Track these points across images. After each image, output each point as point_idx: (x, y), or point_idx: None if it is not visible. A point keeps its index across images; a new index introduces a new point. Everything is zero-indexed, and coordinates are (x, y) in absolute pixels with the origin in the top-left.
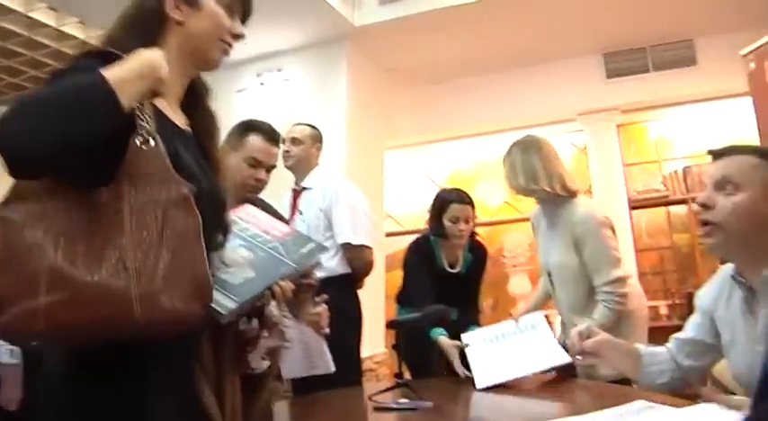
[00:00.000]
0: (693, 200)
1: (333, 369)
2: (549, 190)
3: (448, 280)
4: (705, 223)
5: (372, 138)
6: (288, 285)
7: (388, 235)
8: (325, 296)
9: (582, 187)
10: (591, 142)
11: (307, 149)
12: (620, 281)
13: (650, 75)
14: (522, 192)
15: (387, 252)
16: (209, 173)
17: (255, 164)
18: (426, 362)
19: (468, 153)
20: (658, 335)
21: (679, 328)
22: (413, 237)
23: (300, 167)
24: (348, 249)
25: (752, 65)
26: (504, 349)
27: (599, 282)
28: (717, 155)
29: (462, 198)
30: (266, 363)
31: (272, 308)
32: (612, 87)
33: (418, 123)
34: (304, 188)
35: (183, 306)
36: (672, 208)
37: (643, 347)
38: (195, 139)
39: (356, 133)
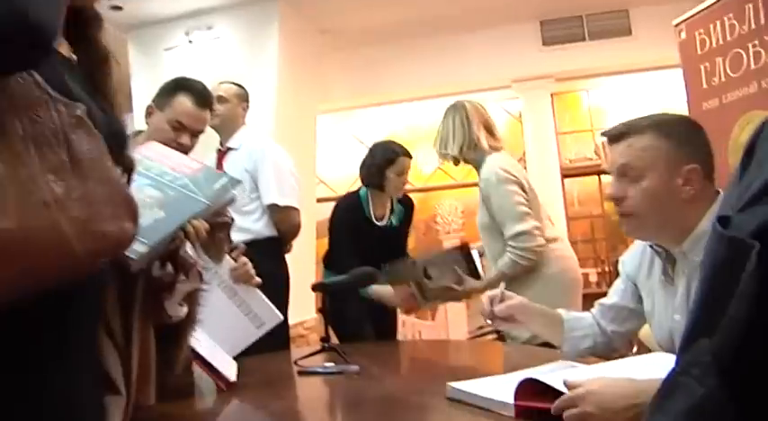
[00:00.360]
0: None
1: (281, 317)
2: (456, 155)
3: (380, 232)
4: (621, 214)
5: (305, 100)
6: (202, 224)
7: (320, 200)
8: (242, 246)
9: (516, 153)
10: (526, 110)
11: (233, 109)
12: (525, 234)
13: (586, 43)
14: (440, 157)
15: (318, 218)
16: (104, 107)
17: (179, 127)
18: (353, 326)
19: (402, 118)
20: (588, 301)
21: (603, 295)
22: None
23: (226, 127)
24: (274, 211)
25: (683, 35)
26: None
27: (506, 237)
28: (612, 139)
29: (407, 152)
30: (185, 310)
31: (188, 249)
32: (548, 55)
33: (352, 87)
34: (229, 148)
35: (118, 227)
36: (604, 177)
37: (565, 313)
38: (83, 72)
39: (288, 95)
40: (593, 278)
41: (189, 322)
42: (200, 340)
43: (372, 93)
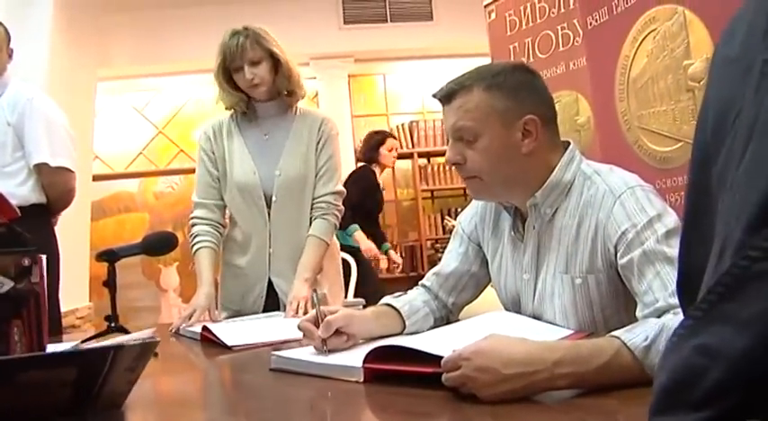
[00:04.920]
0: (419, 155)
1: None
2: None
3: (381, 196)
4: (464, 177)
5: (82, 64)
6: None
7: (96, 178)
8: None
9: None
10: (323, 90)
11: (1, 55)
12: None
13: (387, 25)
14: None
15: (93, 198)
16: None
17: None
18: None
19: (189, 91)
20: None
21: (401, 280)
22: (123, 182)
23: None
24: (45, 172)
25: (492, 16)
26: None
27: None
28: (443, 100)
29: (393, 134)
30: None
31: None
32: (348, 34)
33: (137, 53)
34: None
35: None
36: (397, 162)
37: (393, 300)
38: None
39: (63, 57)
40: (384, 264)
41: None
42: None
43: (159, 61)
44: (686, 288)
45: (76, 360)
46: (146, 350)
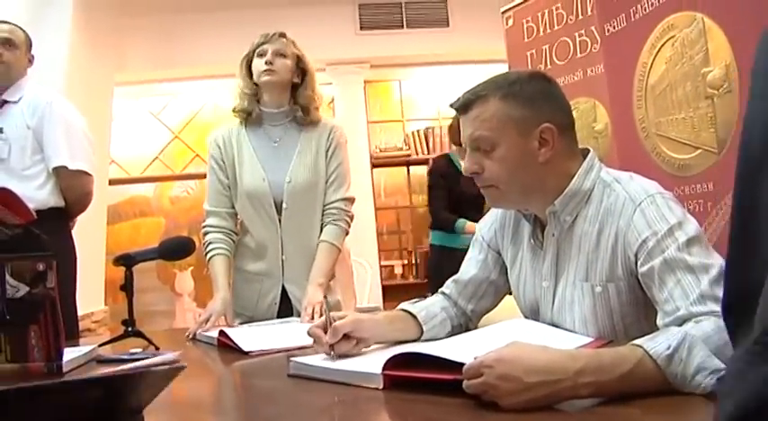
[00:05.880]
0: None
1: None
2: None
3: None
4: (482, 186)
5: (100, 67)
6: None
7: (113, 183)
8: None
9: None
10: (338, 96)
11: (21, 57)
12: None
13: (403, 31)
14: None
15: (110, 202)
16: None
17: None
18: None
19: (207, 96)
20: (393, 293)
21: (414, 286)
22: (139, 186)
23: (6, 76)
24: (63, 175)
25: (510, 22)
26: None
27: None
28: (460, 110)
29: None
30: None
31: None
32: (364, 40)
33: (154, 57)
34: (6, 101)
35: None
36: (412, 168)
37: (410, 306)
38: None
39: (81, 59)
40: (399, 270)
41: None
42: None
43: (176, 66)
44: (736, 307)
45: (100, 385)
46: (171, 375)
